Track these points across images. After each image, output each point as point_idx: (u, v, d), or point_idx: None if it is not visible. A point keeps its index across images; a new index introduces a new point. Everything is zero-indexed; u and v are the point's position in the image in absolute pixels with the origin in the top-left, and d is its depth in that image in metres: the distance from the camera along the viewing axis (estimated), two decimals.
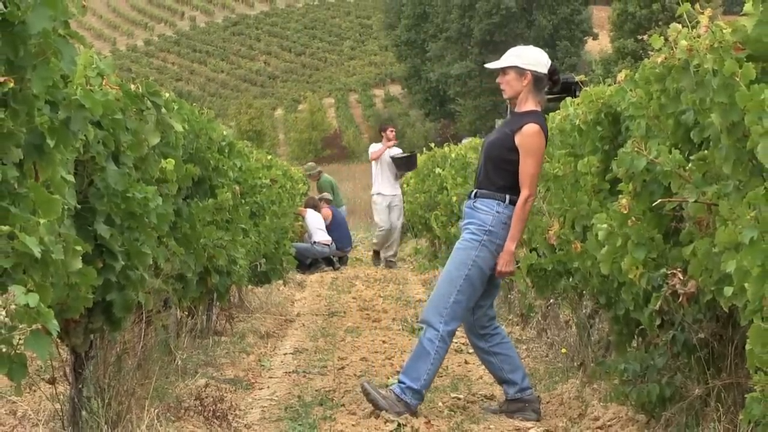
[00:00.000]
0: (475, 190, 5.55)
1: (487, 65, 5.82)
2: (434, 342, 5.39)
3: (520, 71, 5.49)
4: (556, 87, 5.59)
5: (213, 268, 6.59)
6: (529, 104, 5.51)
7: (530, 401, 5.49)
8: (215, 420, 5.19)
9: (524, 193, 5.40)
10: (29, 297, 2.60)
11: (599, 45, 65.13)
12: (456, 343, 7.31)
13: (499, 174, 5.46)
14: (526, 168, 5.40)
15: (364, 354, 7.55)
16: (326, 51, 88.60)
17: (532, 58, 5.52)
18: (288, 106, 74.42)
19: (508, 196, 5.43)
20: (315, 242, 14.84)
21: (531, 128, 5.41)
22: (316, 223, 14.99)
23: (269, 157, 12.33)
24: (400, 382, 5.44)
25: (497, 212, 5.42)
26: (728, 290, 3.18)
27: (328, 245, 14.91)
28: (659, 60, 3.93)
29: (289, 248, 11.02)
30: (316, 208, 15.40)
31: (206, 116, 6.79)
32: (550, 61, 5.57)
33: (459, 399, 5.91)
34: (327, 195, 16.77)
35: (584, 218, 5.33)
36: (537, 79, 5.50)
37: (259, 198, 8.90)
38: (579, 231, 5.42)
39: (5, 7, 2.85)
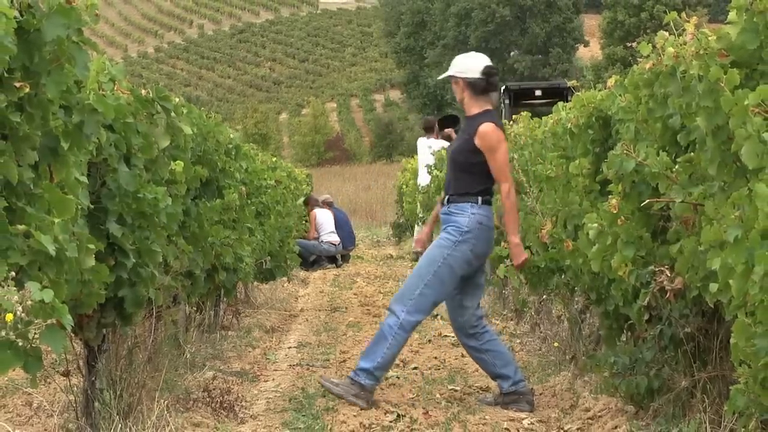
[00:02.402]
0: (447, 197, 5.56)
1: (439, 77, 5.91)
2: (393, 328, 5.40)
3: (455, 80, 5.58)
4: (493, 89, 5.58)
5: (220, 266, 6.59)
6: (475, 107, 5.55)
7: (524, 393, 5.49)
8: (222, 411, 5.19)
9: (504, 186, 5.42)
10: (44, 293, 2.60)
11: (590, 52, 65.16)
12: (453, 337, 7.31)
13: (468, 177, 5.48)
14: (496, 162, 5.42)
15: (365, 348, 7.54)
16: (329, 58, 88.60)
17: (462, 65, 5.57)
18: (292, 111, 74.42)
19: (480, 198, 5.44)
20: (322, 241, 14.83)
21: (485, 127, 5.44)
22: (326, 224, 14.99)
23: (274, 159, 12.33)
24: (356, 367, 5.46)
25: (472, 213, 5.42)
26: (713, 287, 3.18)
27: (335, 245, 14.91)
28: (647, 66, 3.93)
29: (293, 246, 11.01)
30: (316, 206, 15.38)
31: (214, 120, 6.78)
32: (485, 64, 5.56)
33: (456, 391, 5.91)
34: (329, 197, 16.74)
35: (576, 218, 5.32)
36: (471, 84, 5.53)
37: (264, 198, 8.89)
38: (570, 230, 5.42)
39: (21, 15, 2.85)
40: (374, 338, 5.51)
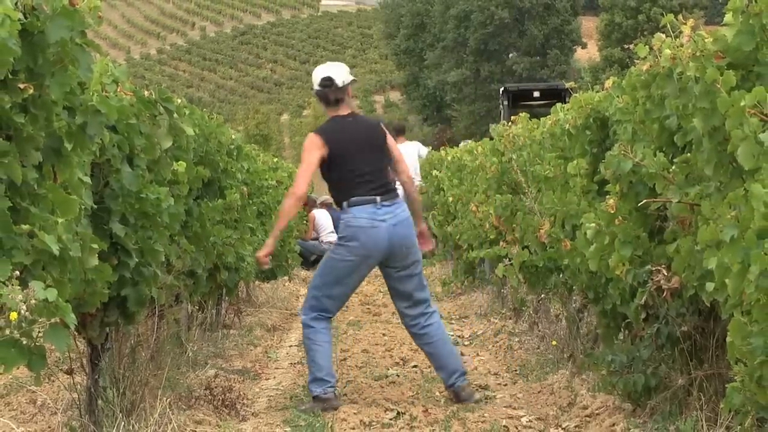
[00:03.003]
0: None
1: None
2: (304, 330, 5.58)
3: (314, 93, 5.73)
4: (335, 100, 5.58)
5: (222, 265, 6.59)
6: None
7: (462, 388, 5.54)
8: (224, 409, 5.19)
9: (287, 194, 5.72)
10: (48, 292, 2.60)
11: (588, 54, 65.11)
12: (451, 335, 7.31)
13: (330, 189, 5.73)
14: (299, 169, 5.64)
15: (365, 346, 7.55)
16: (329, 59, 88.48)
17: (312, 79, 5.67)
18: (293, 112, 74.38)
19: (345, 203, 5.55)
20: (322, 241, 14.86)
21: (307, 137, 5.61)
22: (326, 224, 15.02)
23: (275, 159, 12.34)
24: None
25: (342, 219, 5.63)
26: (710, 286, 3.18)
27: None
28: (644, 68, 3.93)
29: (294, 246, 11.02)
30: (314, 207, 15.39)
31: (216, 121, 6.78)
32: (322, 76, 5.60)
33: None
34: (327, 198, 16.71)
35: (574, 217, 5.32)
36: (317, 96, 5.67)
37: (265, 198, 8.90)
38: (569, 230, 5.42)
39: (25, 17, 2.85)
40: None
